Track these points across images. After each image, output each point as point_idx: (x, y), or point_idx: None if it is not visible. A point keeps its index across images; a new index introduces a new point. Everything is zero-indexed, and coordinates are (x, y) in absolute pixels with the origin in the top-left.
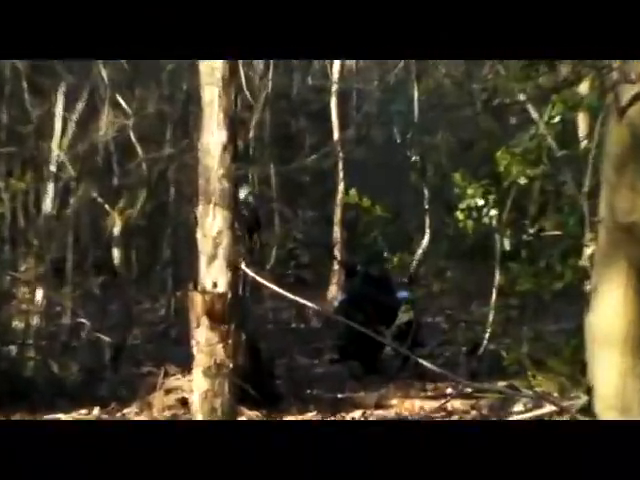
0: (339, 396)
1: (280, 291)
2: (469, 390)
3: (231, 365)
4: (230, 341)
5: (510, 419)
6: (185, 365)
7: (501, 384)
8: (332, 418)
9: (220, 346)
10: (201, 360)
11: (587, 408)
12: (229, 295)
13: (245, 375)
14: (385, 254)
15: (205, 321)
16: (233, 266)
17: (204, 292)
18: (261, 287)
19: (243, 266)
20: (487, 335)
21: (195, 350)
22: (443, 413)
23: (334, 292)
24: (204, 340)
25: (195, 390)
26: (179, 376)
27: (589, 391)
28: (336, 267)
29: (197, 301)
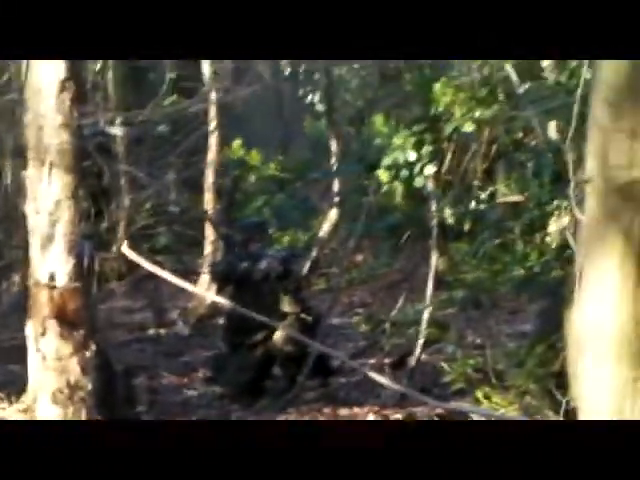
0: None
1: (181, 283)
2: (398, 416)
3: (90, 387)
4: (88, 353)
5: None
6: (11, 388)
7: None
8: None
9: (74, 360)
10: (48, 381)
11: None
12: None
13: (98, 401)
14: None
15: (54, 326)
16: (76, 251)
17: (52, 287)
18: (108, 279)
19: (125, 249)
20: (421, 341)
21: (39, 367)
22: None
23: (206, 284)
24: (53, 352)
25: None
26: (4, 405)
27: (568, 413)
28: (208, 250)
29: (43, 299)
